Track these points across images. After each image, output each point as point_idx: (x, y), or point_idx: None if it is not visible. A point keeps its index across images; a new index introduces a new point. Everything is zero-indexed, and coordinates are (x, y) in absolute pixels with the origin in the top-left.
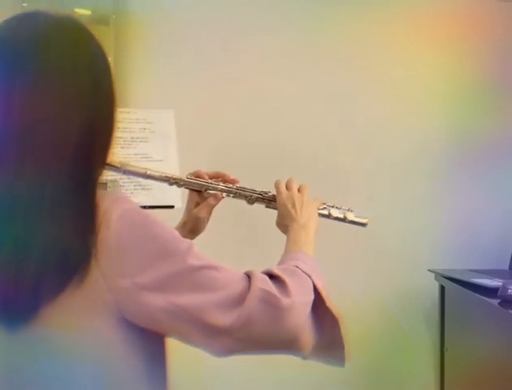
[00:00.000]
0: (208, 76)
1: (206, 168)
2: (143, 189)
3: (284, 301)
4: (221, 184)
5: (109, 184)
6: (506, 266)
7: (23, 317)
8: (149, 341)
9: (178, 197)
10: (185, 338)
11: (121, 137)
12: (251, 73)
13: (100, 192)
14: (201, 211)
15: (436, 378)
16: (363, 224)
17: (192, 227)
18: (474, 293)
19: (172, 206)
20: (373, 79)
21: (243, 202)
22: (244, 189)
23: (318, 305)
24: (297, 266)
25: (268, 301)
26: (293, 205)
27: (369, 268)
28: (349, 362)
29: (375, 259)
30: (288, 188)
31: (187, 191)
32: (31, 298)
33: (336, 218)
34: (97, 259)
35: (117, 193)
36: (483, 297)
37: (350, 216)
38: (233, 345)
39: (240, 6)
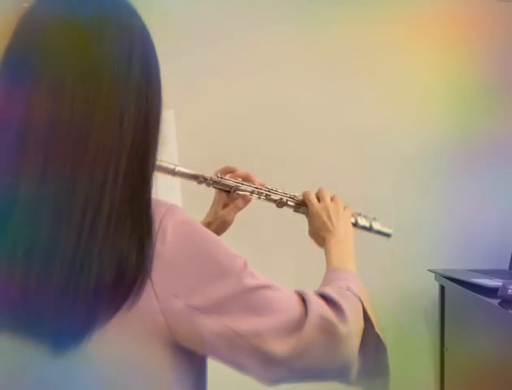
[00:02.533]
0: (208, 76)
1: (206, 168)
2: None
3: (343, 329)
4: (251, 184)
5: None
6: (506, 266)
7: (74, 340)
8: (195, 366)
9: (178, 198)
10: (237, 365)
11: None
12: (251, 73)
13: (153, 199)
14: (230, 214)
15: (436, 378)
16: (388, 235)
17: (216, 229)
18: (474, 293)
19: None
20: (373, 79)
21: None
22: (275, 192)
23: (366, 330)
24: (349, 289)
25: (327, 330)
26: (329, 217)
27: (369, 268)
28: None
29: (374, 259)
30: (320, 197)
31: (187, 191)
32: (86, 318)
33: (363, 227)
34: (151, 277)
35: (168, 202)
36: (483, 297)
37: (376, 225)
38: (286, 374)
39: (240, 7)
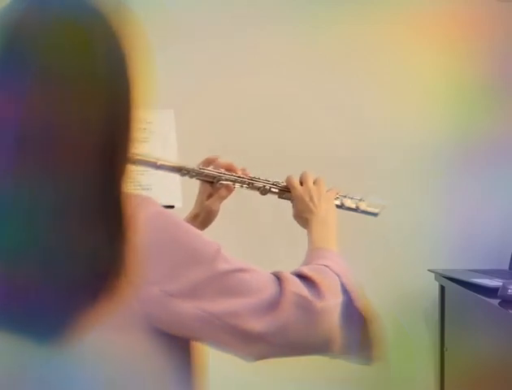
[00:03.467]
0: (208, 76)
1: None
2: (143, 189)
3: (318, 304)
4: (234, 174)
5: None
6: (506, 266)
7: (52, 330)
8: (178, 352)
9: (178, 197)
10: (218, 344)
11: None
12: (251, 73)
13: (125, 194)
14: (215, 204)
15: (436, 378)
16: (375, 214)
17: (203, 220)
18: (474, 293)
19: (172, 206)
20: (373, 79)
21: (244, 195)
22: (257, 180)
23: (348, 304)
24: (326, 265)
25: (302, 306)
26: (311, 198)
27: (369, 268)
28: (375, 362)
29: (374, 259)
30: (302, 181)
31: (187, 192)
32: (62, 311)
33: (349, 209)
34: (125, 267)
35: (142, 195)
36: (483, 297)
37: (362, 206)
38: (267, 351)
39: (240, 7)
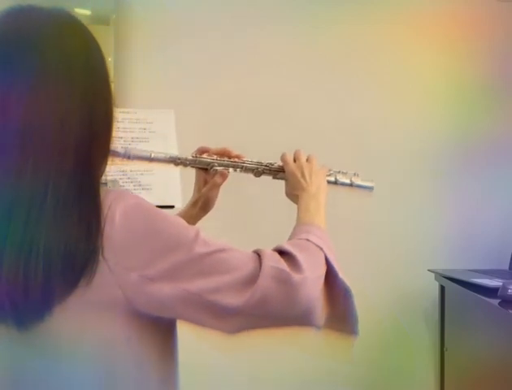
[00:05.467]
0: (208, 76)
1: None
2: (143, 189)
3: (296, 276)
4: (226, 159)
5: (109, 184)
6: (506, 266)
7: (33, 317)
8: (161, 336)
9: (178, 197)
10: (198, 321)
11: (121, 137)
12: (251, 73)
13: (103, 190)
14: (212, 190)
15: (436, 378)
16: (370, 188)
17: (203, 206)
18: (474, 293)
19: (172, 206)
20: (373, 79)
21: (244, 183)
22: (250, 163)
23: (331, 278)
24: (308, 240)
25: (280, 279)
26: (303, 175)
27: (369, 268)
28: (351, 359)
29: (374, 259)
30: (295, 158)
31: (187, 192)
32: (40, 300)
33: (343, 184)
34: (104, 256)
35: (120, 189)
36: (483, 297)
37: (357, 181)
38: (246, 323)
39: (240, 7)
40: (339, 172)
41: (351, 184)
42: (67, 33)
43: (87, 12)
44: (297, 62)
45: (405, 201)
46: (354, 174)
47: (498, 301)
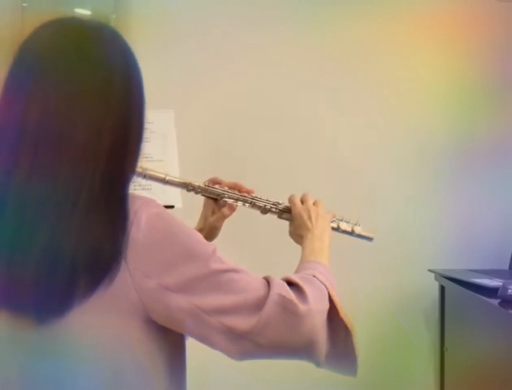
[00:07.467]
0: (208, 76)
1: (205, 168)
2: (143, 189)
3: (302, 307)
4: (237, 192)
5: None
6: (506, 266)
7: (55, 313)
8: (171, 343)
9: (178, 197)
10: (205, 340)
11: None
12: (251, 73)
13: (130, 195)
14: (218, 221)
15: (436, 378)
16: (369, 239)
17: (206, 235)
18: (474, 293)
19: (172, 206)
20: (373, 79)
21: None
22: (258, 199)
23: (332, 315)
24: (313, 276)
25: (286, 307)
26: (309, 217)
27: (369, 268)
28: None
29: (375, 259)
30: (303, 200)
31: (187, 192)
32: (64, 295)
33: (344, 232)
34: (126, 259)
35: (146, 197)
36: (483, 297)
37: (358, 230)
38: (251, 349)
39: (240, 7)
40: (342, 220)
41: (352, 233)
42: (108, 43)
43: (87, 12)
44: (297, 62)
45: (405, 201)
46: (356, 223)
47: (498, 301)
